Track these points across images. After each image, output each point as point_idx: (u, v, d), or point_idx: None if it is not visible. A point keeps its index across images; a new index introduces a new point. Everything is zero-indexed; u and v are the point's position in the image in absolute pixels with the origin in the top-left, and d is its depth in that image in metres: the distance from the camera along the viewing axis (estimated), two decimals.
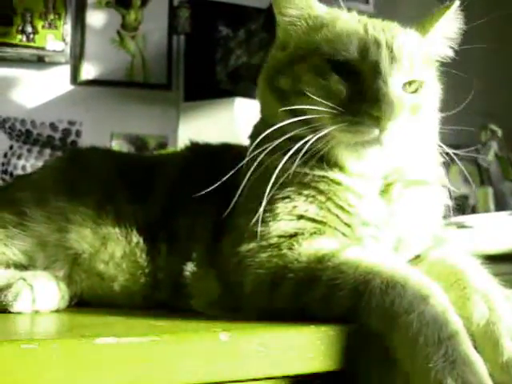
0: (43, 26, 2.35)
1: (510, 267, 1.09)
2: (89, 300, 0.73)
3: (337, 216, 0.63)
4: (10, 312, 0.64)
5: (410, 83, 0.64)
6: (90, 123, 2.35)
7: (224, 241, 0.66)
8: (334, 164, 0.64)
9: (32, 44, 2.32)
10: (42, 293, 0.66)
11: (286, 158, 0.61)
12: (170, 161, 0.83)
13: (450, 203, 0.71)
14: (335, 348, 0.54)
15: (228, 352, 0.50)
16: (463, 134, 0.75)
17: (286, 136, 0.62)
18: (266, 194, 0.61)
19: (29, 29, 2.37)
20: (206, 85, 2.34)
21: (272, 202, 0.63)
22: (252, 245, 0.63)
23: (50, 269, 0.73)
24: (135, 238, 0.72)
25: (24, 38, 2.34)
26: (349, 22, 0.66)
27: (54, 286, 0.68)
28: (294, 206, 0.63)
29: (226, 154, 0.81)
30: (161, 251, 0.71)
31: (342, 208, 0.63)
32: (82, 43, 2.39)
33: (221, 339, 0.50)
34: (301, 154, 0.61)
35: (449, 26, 0.71)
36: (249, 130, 1.34)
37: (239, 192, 0.63)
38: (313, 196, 0.63)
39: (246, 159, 0.65)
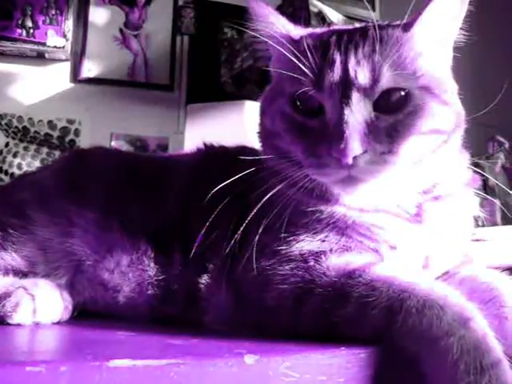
0: (44, 22, 2.30)
1: None
2: (91, 310, 0.68)
3: (361, 242, 0.60)
4: (8, 324, 0.59)
5: (385, 98, 0.57)
6: (90, 122, 2.29)
7: (241, 255, 0.61)
8: (335, 200, 0.60)
9: (32, 39, 2.27)
10: (44, 303, 0.61)
11: (294, 189, 0.60)
12: (182, 164, 0.78)
13: (481, 214, 0.66)
14: (367, 372, 0.50)
15: (254, 376, 0.45)
16: (470, 145, 0.68)
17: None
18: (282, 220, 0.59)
19: (29, 23, 2.31)
20: (210, 87, 2.30)
21: (292, 223, 0.60)
22: (273, 260, 0.59)
23: (52, 276, 0.67)
24: (143, 245, 0.67)
25: (24, 33, 2.28)
26: (310, 47, 0.60)
27: (57, 295, 0.63)
28: (315, 232, 0.60)
29: (241, 159, 0.77)
30: (174, 261, 0.66)
31: (364, 235, 0.60)
32: (83, 40, 2.34)
33: (246, 362, 0.45)
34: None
35: (448, 6, 0.60)
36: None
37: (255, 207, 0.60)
38: (329, 223, 0.60)
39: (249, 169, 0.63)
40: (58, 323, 0.62)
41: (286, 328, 0.57)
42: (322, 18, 1.84)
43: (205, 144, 0.83)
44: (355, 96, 0.56)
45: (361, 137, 0.54)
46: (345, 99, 0.56)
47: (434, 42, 0.61)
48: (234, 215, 0.66)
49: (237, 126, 1.25)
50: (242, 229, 0.59)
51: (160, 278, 0.66)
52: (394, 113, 0.57)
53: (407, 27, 0.60)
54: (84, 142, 2.22)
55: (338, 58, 0.58)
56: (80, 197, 0.71)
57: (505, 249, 1.29)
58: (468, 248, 0.68)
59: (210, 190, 0.70)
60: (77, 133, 2.31)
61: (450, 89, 0.62)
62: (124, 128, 2.34)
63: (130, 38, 2.40)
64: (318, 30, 0.67)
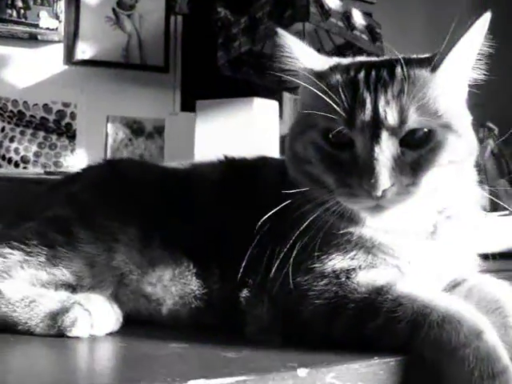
0: (35, 2, 2.25)
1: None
2: (133, 320, 0.74)
3: (384, 259, 0.66)
4: (65, 336, 0.65)
5: (411, 137, 0.62)
6: (85, 105, 2.29)
7: (278, 271, 0.67)
8: (363, 223, 0.67)
9: (23, 20, 2.23)
10: (99, 317, 0.66)
11: (323, 215, 0.65)
12: (206, 178, 0.81)
13: (487, 229, 0.73)
14: (395, 378, 0.58)
15: None
16: None
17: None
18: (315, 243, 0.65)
19: (19, 3, 2.27)
20: (206, 69, 2.30)
21: (324, 244, 0.66)
22: (307, 277, 0.66)
23: (97, 288, 0.72)
24: (184, 260, 0.73)
25: (14, 14, 2.24)
26: (339, 83, 0.64)
27: (109, 309, 0.68)
28: (345, 251, 0.66)
29: (265, 171, 0.81)
30: (214, 276, 0.72)
31: (387, 253, 0.66)
32: (76, 21, 2.31)
33: (299, 375, 0.52)
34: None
35: (472, 46, 0.65)
36: (267, 132, 1.35)
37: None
38: (359, 243, 0.66)
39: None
40: (111, 336, 0.68)
41: (319, 338, 0.63)
42: (320, 6, 1.86)
43: (225, 157, 0.87)
44: (384, 135, 0.62)
45: (389, 172, 0.61)
46: (375, 137, 0.62)
47: (456, 79, 0.67)
48: (270, 234, 0.71)
49: (246, 122, 1.29)
50: (284, 249, 0.65)
51: (201, 291, 0.71)
52: (418, 148, 0.63)
53: (434, 68, 0.65)
54: (81, 126, 2.22)
55: (368, 98, 0.63)
56: (121, 213, 0.75)
57: (493, 235, 1.38)
58: (475, 260, 0.75)
59: (239, 207, 0.76)
60: (73, 116, 2.30)
61: (466, 121, 0.67)
62: (120, 110, 2.34)
63: (123, 19, 2.38)
64: (344, 61, 0.71)
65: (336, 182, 0.64)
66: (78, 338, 0.65)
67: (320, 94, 0.65)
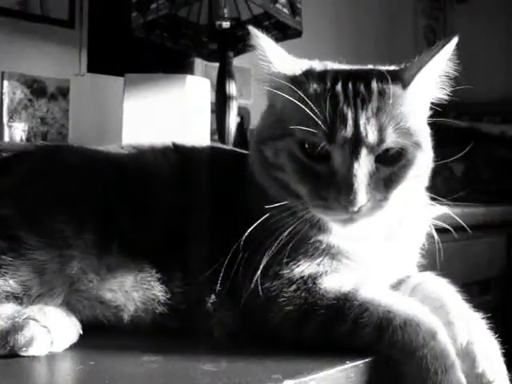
0: None
1: None
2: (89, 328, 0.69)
3: (346, 264, 0.70)
4: (19, 356, 0.59)
5: (385, 154, 0.65)
6: None
7: (241, 276, 0.67)
8: (329, 230, 0.69)
9: None
10: (59, 333, 0.61)
11: (298, 222, 0.66)
12: (159, 170, 0.77)
13: (431, 230, 0.80)
14: (364, 378, 0.63)
15: None
16: None
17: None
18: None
19: None
20: (117, 28, 2.13)
21: (293, 251, 0.67)
22: (275, 282, 0.67)
23: (46, 297, 0.67)
24: (146, 265, 0.69)
25: None
26: (318, 93, 0.65)
27: (68, 321, 0.64)
28: (313, 258, 0.68)
29: (226, 166, 0.79)
30: (177, 280, 0.69)
31: (349, 258, 0.70)
32: None
33: None
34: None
35: (440, 66, 0.68)
36: (199, 110, 1.30)
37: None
38: (325, 250, 0.69)
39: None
40: (70, 349, 0.63)
41: (288, 341, 0.66)
42: None
43: (173, 144, 0.83)
44: (363, 152, 0.63)
45: (365, 188, 0.63)
46: (354, 154, 0.63)
47: (423, 97, 0.70)
48: (224, 228, 0.70)
49: (177, 100, 1.23)
50: (253, 255, 0.65)
51: (165, 296, 0.69)
52: (391, 165, 0.66)
53: (405, 84, 0.67)
54: None
55: (349, 114, 0.63)
56: (70, 213, 0.69)
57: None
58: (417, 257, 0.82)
59: (195, 202, 0.73)
60: None
61: (427, 136, 0.71)
62: (18, 67, 2.09)
63: None
64: (316, 67, 0.71)
65: (310, 193, 0.65)
66: (33, 356, 0.60)
67: (297, 103, 0.64)
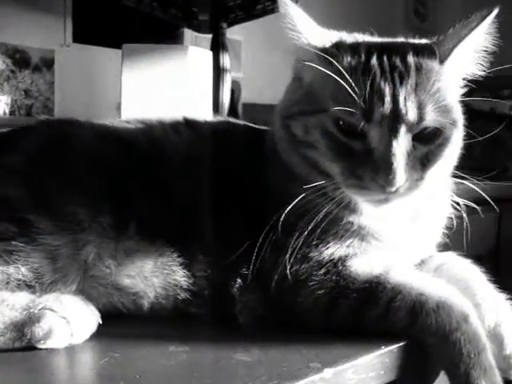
0: None
1: None
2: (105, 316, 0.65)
3: (375, 246, 0.67)
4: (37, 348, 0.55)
5: (422, 132, 0.62)
6: None
7: (269, 259, 0.64)
8: (360, 211, 0.66)
9: None
10: (79, 324, 0.57)
11: (330, 204, 0.63)
12: (172, 147, 0.72)
13: (453, 215, 0.77)
14: (397, 363, 0.61)
15: None
16: None
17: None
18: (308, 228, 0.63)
19: None
20: None
21: (322, 233, 0.64)
22: (304, 265, 0.64)
23: (60, 284, 0.62)
24: (167, 248, 0.65)
25: None
26: (352, 67, 0.61)
27: (87, 311, 0.59)
28: (342, 240, 0.65)
29: (242, 139, 0.75)
30: (200, 264, 0.65)
31: (378, 239, 0.67)
32: None
33: (326, 377, 0.52)
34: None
35: (480, 40, 0.64)
36: (202, 83, 1.24)
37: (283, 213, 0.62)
38: (355, 231, 0.66)
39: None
40: (90, 340, 0.59)
41: (317, 326, 0.63)
42: None
43: (185, 119, 0.77)
44: (402, 130, 0.60)
45: (404, 168, 0.59)
46: (393, 132, 0.59)
47: (458, 72, 0.66)
48: (248, 209, 0.67)
49: (179, 72, 1.17)
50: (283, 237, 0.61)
51: (187, 281, 0.65)
52: (428, 143, 0.63)
53: (442, 59, 0.63)
54: None
55: (387, 90, 0.59)
56: (84, 194, 0.64)
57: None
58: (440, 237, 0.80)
59: (215, 182, 0.69)
60: None
61: (460, 113, 0.67)
62: None
63: None
64: (347, 39, 0.66)
65: (344, 172, 0.62)
66: (52, 349, 0.56)
67: (332, 76, 0.60)
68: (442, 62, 0.63)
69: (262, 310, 0.65)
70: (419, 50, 0.63)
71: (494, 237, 2.00)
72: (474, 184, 0.75)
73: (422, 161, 0.62)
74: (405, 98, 0.59)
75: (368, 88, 0.59)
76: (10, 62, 2.02)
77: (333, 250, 0.64)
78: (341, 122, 0.61)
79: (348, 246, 0.65)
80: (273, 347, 0.58)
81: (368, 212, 0.65)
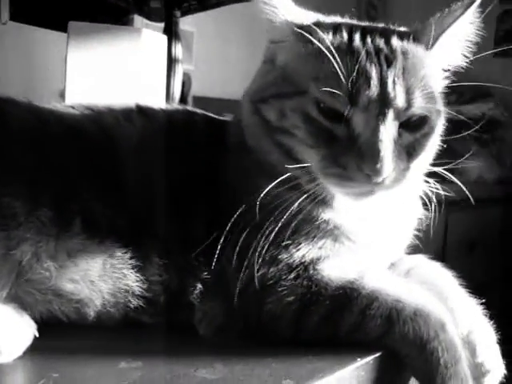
0: None
1: None
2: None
3: (348, 247, 0.62)
4: None
5: (409, 119, 0.58)
6: None
7: (233, 260, 0.57)
8: (335, 208, 0.61)
9: None
10: (9, 338, 0.48)
11: (301, 199, 0.57)
12: (124, 136, 0.64)
13: (423, 216, 0.74)
14: (373, 375, 0.56)
15: None
16: None
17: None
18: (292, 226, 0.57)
19: None
20: None
21: (292, 233, 0.58)
22: (272, 269, 0.58)
23: None
24: (117, 249, 0.57)
25: None
26: (337, 52, 0.55)
27: (18, 320, 0.50)
28: (314, 240, 0.60)
29: (197, 130, 0.68)
30: (155, 267, 0.58)
31: (352, 241, 0.62)
32: None
33: None
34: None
35: (464, 29, 0.62)
36: (155, 68, 1.15)
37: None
38: (329, 230, 0.61)
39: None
40: (24, 356, 0.50)
41: (286, 336, 0.58)
42: None
43: (137, 106, 0.70)
44: (390, 116, 0.55)
45: (392, 156, 0.55)
46: (380, 118, 0.55)
47: (443, 61, 0.63)
48: (206, 203, 0.60)
49: (131, 55, 1.07)
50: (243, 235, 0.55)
51: (141, 286, 0.57)
52: (414, 132, 0.58)
53: (428, 45, 0.59)
54: None
55: (373, 72, 0.55)
56: (21, 183, 0.55)
57: None
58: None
59: (171, 173, 0.62)
60: None
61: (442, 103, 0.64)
62: None
63: None
64: (325, 19, 0.61)
65: (325, 160, 0.56)
66: None
67: (312, 55, 0.54)
68: (427, 48, 0.60)
69: (225, 319, 0.58)
70: (403, 35, 0.59)
71: (442, 239, 2.04)
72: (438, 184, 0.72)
73: (408, 150, 0.58)
74: (393, 82, 0.55)
75: (352, 69, 0.54)
76: None
77: (304, 252, 0.59)
78: (322, 105, 0.56)
79: (320, 248, 0.60)
80: (239, 362, 0.52)
81: (344, 208, 0.60)
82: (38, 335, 0.52)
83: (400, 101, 0.55)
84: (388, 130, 0.55)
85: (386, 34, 0.59)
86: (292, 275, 0.58)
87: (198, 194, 0.61)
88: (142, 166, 0.62)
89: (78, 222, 0.56)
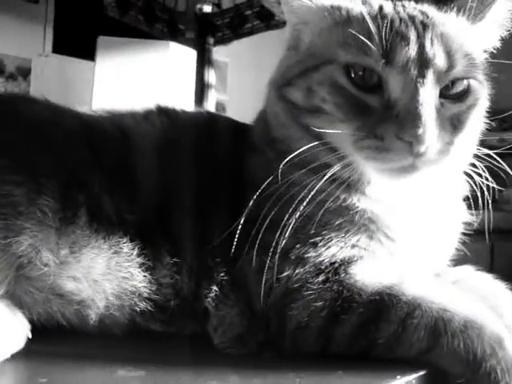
0: None
1: None
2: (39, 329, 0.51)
3: (386, 246, 0.55)
4: None
5: (452, 84, 0.53)
6: None
7: (257, 262, 0.51)
8: (370, 195, 0.54)
9: None
10: (1, 337, 0.43)
11: (323, 181, 0.50)
12: (144, 134, 0.60)
13: (471, 219, 0.65)
14: None
15: None
16: None
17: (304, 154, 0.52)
18: (317, 218, 0.51)
19: None
20: (86, 6, 1.95)
21: (320, 226, 0.52)
22: (298, 271, 0.51)
23: None
24: (125, 245, 0.52)
25: None
26: (369, 16, 0.52)
27: (10, 319, 0.45)
28: (347, 235, 0.53)
29: (220, 132, 0.64)
30: (166, 267, 0.52)
31: (390, 239, 0.55)
32: None
33: None
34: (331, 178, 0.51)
35: (505, 9, 0.58)
36: (182, 83, 1.13)
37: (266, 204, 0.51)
38: (364, 225, 0.53)
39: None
40: (15, 358, 0.44)
41: (312, 348, 0.50)
42: None
43: (158, 107, 0.66)
44: (430, 77, 0.49)
45: (435, 123, 0.48)
46: (420, 78, 0.49)
47: (485, 38, 0.58)
48: (226, 204, 0.55)
49: (158, 67, 1.06)
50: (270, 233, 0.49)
51: (149, 289, 0.51)
52: (457, 102, 0.52)
53: (473, 19, 0.55)
54: None
55: (409, 32, 0.50)
56: (25, 173, 0.51)
57: None
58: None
59: (189, 172, 0.58)
60: None
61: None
62: None
63: None
64: None
65: (358, 132, 0.50)
66: None
67: (341, 24, 0.51)
68: (473, 21, 0.55)
69: (243, 328, 0.51)
70: (442, 8, 0.55)
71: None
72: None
73: (452, 122, 0.51)
74: (431, 42, 0.50)
75: (386, 30, 0.49)
76: None
77: (334, 251, 0.51)
78: (352, 74, 0.50)
79: (354, 246, 0.52)
80: (256, 375, 0.44)
81: (380, 196, 0.53)
82: (30, 336, 0.46)
83: (440, 60, 0.50)
84: (429, 94, 0.49)
85: (419, 6, 0.54)
86: (320, 278, 0.51)
87: (219, 192, 0.56)
88: (160, 164, 0.58)
89: (83, 213, 0.52)
